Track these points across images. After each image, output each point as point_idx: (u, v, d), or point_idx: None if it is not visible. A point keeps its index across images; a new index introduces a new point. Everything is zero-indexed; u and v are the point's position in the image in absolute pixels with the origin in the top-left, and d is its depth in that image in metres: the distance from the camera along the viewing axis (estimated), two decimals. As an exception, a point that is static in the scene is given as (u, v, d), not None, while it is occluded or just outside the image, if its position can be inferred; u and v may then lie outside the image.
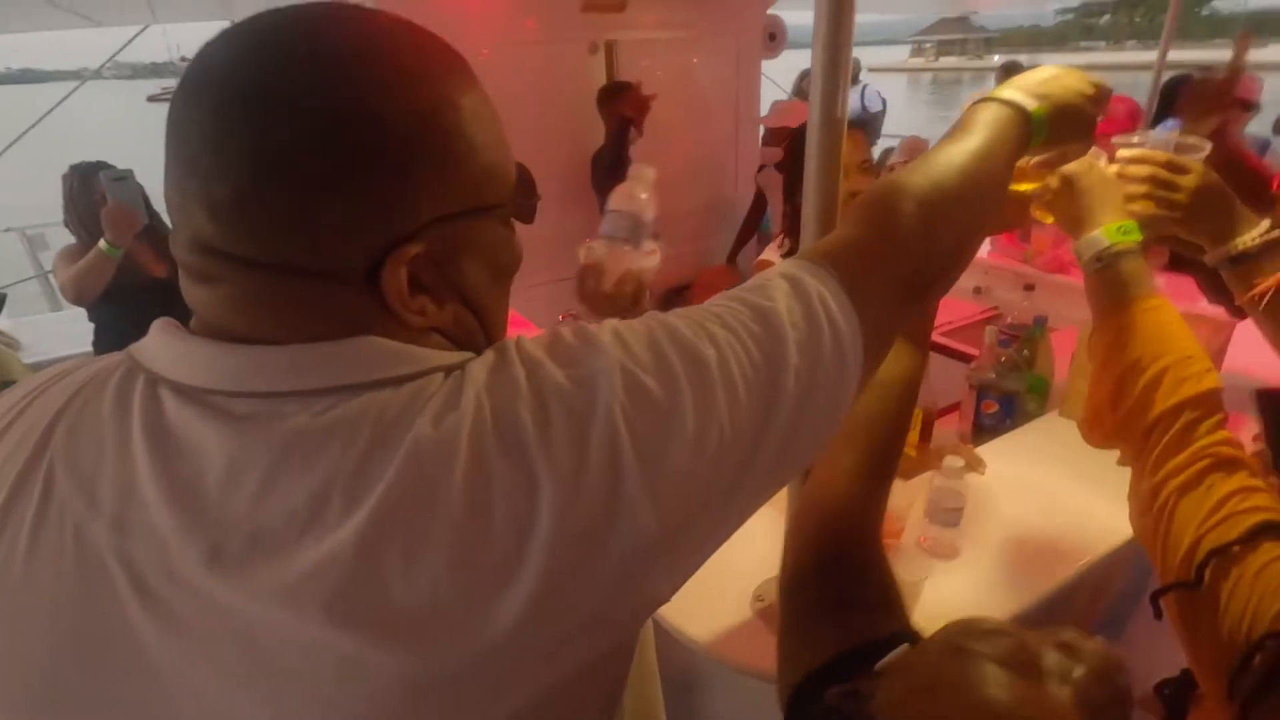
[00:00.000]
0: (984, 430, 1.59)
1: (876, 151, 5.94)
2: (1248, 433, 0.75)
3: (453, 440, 0.37)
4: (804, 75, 6.08)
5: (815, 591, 0.60)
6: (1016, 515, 1.25)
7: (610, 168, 2.90)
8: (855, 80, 6.17)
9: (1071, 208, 0.80)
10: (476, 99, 0.42)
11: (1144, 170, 0.84)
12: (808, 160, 0.75)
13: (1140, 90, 3.44)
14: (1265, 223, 0.81)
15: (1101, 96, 0.68)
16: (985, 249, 2.66)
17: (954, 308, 2.44)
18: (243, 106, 0.36)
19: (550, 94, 3.03)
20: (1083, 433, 0.79)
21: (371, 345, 0.40)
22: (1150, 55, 3.31)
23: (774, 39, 3.48)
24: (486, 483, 0.37)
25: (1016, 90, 0.62)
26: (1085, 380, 1.63)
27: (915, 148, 4.14)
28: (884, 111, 6.09)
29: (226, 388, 0.39)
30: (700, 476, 0.40)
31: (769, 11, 3.47)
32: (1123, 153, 0.87)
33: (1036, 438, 1.50)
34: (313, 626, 0.36)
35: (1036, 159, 0.73)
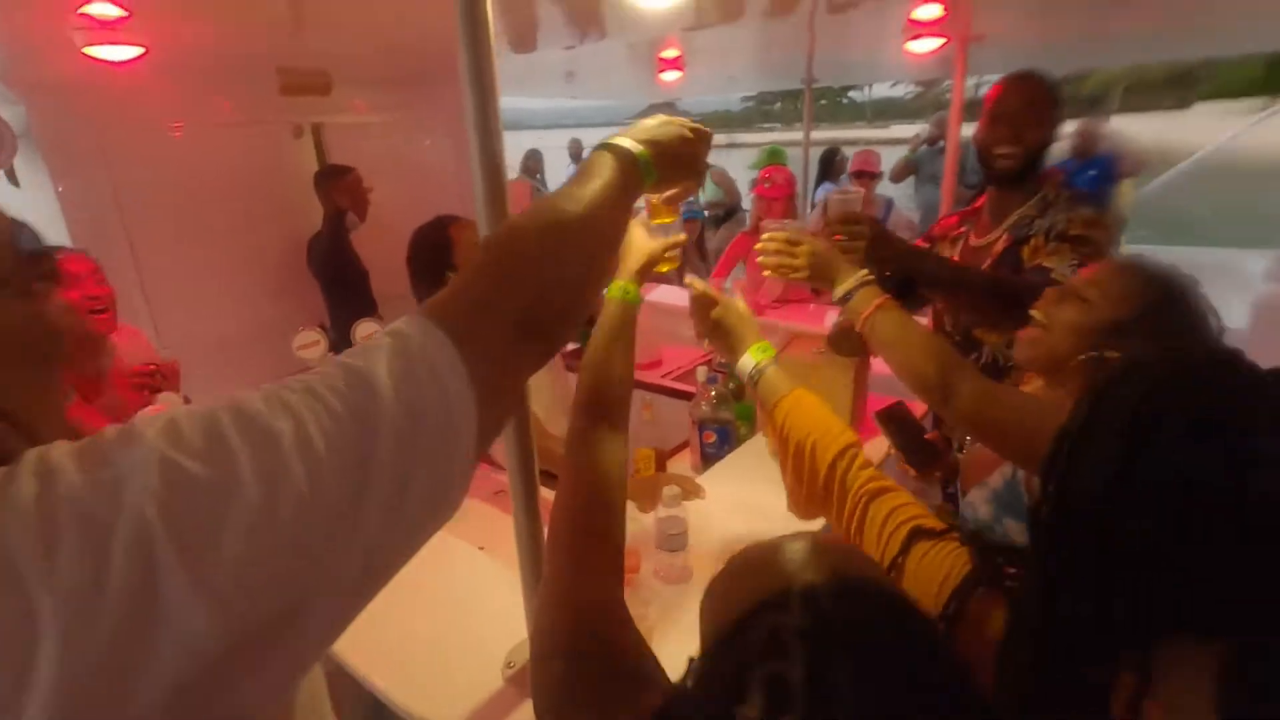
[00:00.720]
0: (709, 458, 1.78)
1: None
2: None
3: None
4: (529, 155, 6.42)
5: (578, 674, 0.59)
6: (736, 529, 1.42)
7: (328, 253, 2.78)
8: (579, 158, 6.69)
9: (725, 342, 1.04)
10: None
11: (773, 246, 1.17)
12: (482, 231, 0.81)
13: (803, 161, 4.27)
14: (863, 271, 1.11)
15: (700, 139, 0.80)
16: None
17: (681, 354, 2.71)
18: None
19: (256, 177, 2.84)
20: (793, 513, 0.94)
21: None
22: (816, 134, 4.17)
23: (490, 122, 3.64)
24: None
25: (626, 138, 0.69)
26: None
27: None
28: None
29: None
30: (276, 555, 0.36)
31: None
32: (764, 236, 1.19)
33: (747, 459, 1.72)
34: None
35: (664, 196, 0.86)
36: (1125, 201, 4.55)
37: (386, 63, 2.99)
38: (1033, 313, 1.05)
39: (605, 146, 0.67)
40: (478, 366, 0.45)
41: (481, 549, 1.37)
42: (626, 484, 0.75)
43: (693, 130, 0.78)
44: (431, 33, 2.29)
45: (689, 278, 1.09)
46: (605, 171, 0.64)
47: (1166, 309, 0.93)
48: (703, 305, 1.05)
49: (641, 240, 1.00)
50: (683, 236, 1.01)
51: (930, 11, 2.43)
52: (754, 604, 0.43)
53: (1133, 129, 5.04)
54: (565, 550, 0.68)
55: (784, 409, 0.92)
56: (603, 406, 0.79)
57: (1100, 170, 4.23)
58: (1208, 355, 0.55)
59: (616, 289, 0.94)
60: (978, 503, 1.11)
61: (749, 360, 0.98)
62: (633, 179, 0.67)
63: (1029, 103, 1.46)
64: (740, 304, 1.05)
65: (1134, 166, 4.50)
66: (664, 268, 0.98)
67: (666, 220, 0.97)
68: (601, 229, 0.60)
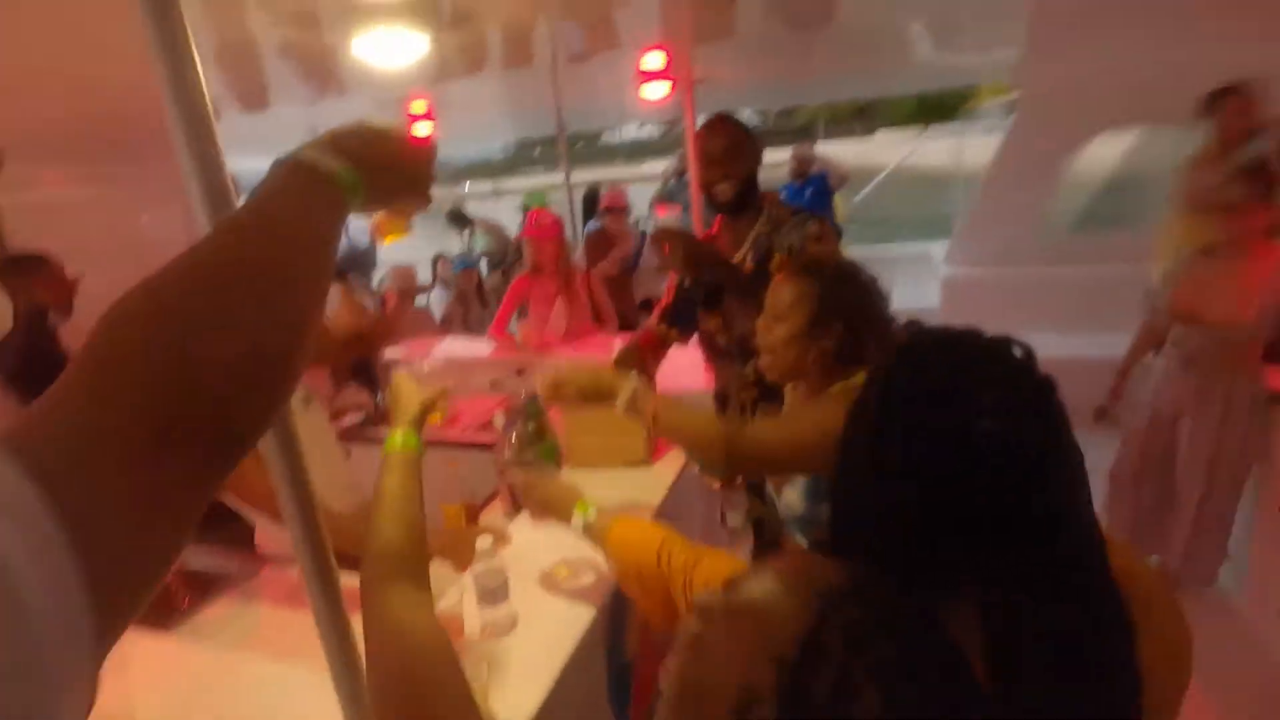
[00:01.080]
0: (522, 504, 1.76)
1: (374, 279, 6.14)
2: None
3: None
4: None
5: None
6: (554, 564, 1.42)
7: (26, 358, 2.32)
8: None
9: (555, 513, 1.17)
10: None
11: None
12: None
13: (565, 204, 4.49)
14: (629, 381, 1.24)
15: (421, 151, 0.63)
16: (486, 349, 2.98)
17: (474, 405, 2.65)
18: None
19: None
20: (663, 631, 1.01)
21: None
22: (576, 176, 4.46)
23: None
24: None
25: (319, 148, 0.52)
26: (585, 433, 1.94)
27: (406, 275, 4.42)
28: (372, 248, 6.36)
29: None
30: None
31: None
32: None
33: (558, 494, 1.73)
34: None
35: (383, 214, 0.74)
36: (840, 212, 5.39)
37: (89, 132, 2.60)
38: (757, 343, 1.22)
39: (292, 162, 0.51)
40: (84, 505, 0.30)
41: (284, 659, 1.22)
42: (446, 635, 0.69)
43: (408, 139, 0.62)
44: (139, 96, 2.05)
45: (506, 474, 1.23)
46: (286, 195, 0.49)
47: (837, 292, 1.15)
48: (525, 489, 1.22)
49: (412, 390, 1.02)
50: (451, 384, 1.08)
51: (655, 61, 2.71)
52: (803, 622, 0.42)
53: (835, 152, 6.02)
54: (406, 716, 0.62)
55: (611, 544, 1.05)
56: (399, 562, 0.77)
57: (816, 188, 4.96)
58: (940, 334, 0.61)
59: (395, 441, 0.93)
60: (792, 501, 1.23)
61: (578, 519, 1.11)
62: (330, 199, 0.51)
63: (730, 142, 1.73)
64: (555, 481, 1.22)
65: (841, 182, 5.37)
66: (435, 418, 1.00)
67: (396, 236, 0.82)
68: (283, 269, 0.44)
